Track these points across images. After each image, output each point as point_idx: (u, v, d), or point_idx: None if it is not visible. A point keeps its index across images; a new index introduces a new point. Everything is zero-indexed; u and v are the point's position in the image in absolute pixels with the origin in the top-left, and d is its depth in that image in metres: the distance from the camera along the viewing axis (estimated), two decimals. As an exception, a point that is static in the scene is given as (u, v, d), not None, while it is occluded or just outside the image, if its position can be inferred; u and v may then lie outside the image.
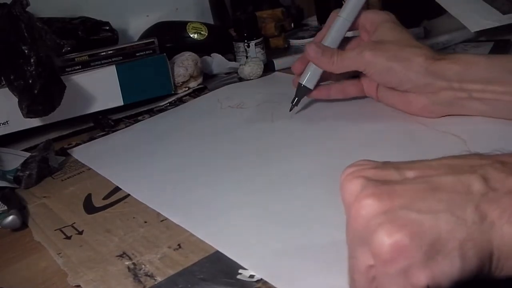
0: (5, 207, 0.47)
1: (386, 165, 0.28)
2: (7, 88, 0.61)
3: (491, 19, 0.70)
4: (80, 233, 0.43)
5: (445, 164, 0.27)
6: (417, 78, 0.47)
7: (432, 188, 0.25)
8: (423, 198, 0.25)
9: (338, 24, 0.54)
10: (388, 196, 0.25)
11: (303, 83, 0.55)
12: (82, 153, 0.62)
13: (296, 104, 0.56)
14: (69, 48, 0.67)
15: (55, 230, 0.44)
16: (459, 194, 0.25)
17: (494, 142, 0.43)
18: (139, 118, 0.71)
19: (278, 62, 0.80)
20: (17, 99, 0.60)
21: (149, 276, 0.35)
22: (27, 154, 0.58)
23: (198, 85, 0.78)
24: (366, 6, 0.94)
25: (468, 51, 0.69)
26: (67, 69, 0.67)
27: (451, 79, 0.46)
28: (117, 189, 0.50)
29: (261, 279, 0.32)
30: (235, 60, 0.83)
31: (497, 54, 0.47)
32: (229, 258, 0.35)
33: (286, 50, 0.89)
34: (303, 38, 0.91)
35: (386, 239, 0.24)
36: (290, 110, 0.57)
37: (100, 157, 0.59)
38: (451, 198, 0.25)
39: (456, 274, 0.24)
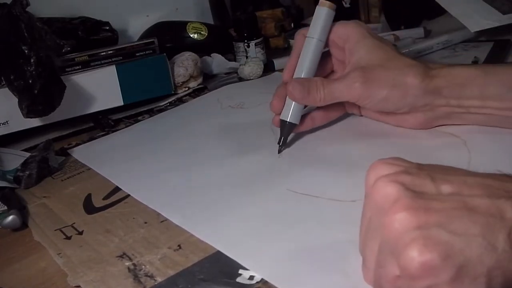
0: (5, 207, 0.47)
1: (421, 171, 0.28)
2: (7, 88, 0.60)
3: (491, 19, 0.70)
4: (80, 233, 0.43)
5: (481, 183, 0.27)
6: (415, 101, 0.45)
7: (467, 209, 0.25)
8: (458, 218, 0.25)
9: (312, 47, 0.48)
10: (424, 212, 0.25)
11: (288, 120, 0.49)
12: (82, 153, 0.62)
13: (284, 144, 0.49)
14: (69, 48, 0.67)
15: (55, 230, 0.44)
16: (493, 219, 0.25)
17: (494, 142, 0.44)
18: (139, 118, 0.71)
19: (278, 62, 0.80)
20: (17, 99, 0.60)
21: (149, 276, 0.35)
22: (27, 154, 0.58)
23: (198, 85, 0.78)
24: (367, 6, 0.95)
25: (468, 51, 0.70)
26: (67, 69, 0.67)
27: (448, 97, 0.44)
28: (117, 189, 0.50)
29: (261, 279, 0.32)
30: (235, 60, 0.83)
31: (492, 65, 0.44)
32: (229, 259, 0.35)
33: (286, 50, 0.89)
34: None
35: (417, 256, 0.24)
36: (279, 153, 0.49)
37: (100, 157, 0.59)
38: (485, 222, 0.25)
39: None
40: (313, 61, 0.48)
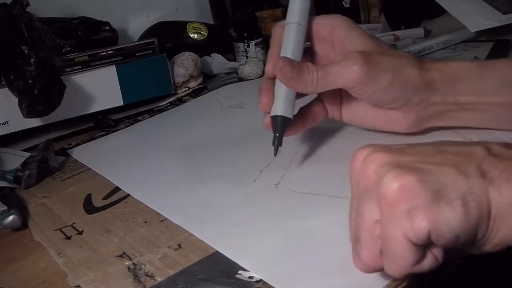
0: (5, 207, 0.47)
1: (397, 145, 0.30)
2: (7, 88, 0.61)
3: (491, 19, 0.70)
4: (80, 233, 0.43)
5: (452, 142, 0.30)
6: (413, 94, 0.41)
7: (439, 151, 0.28)
8: (431, 156, 0.27)
9: (293, 32, 0.43)
10: (397, 153, 0.28)
11: (281, 114, 0.43)
12: (82, 153, 0.62)
13: (280, 143, 0.43)
14: (69, 48, 0.67)
15: (55, 230, 0.44)
16: (463, 157, 0.27)
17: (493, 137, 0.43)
18: (139, 118, 0.71)
19: (278, 62, 0.80)
20: (17, 99, 0.60)
21: (149, 276, 0.35)
22: (27, 154, 0.58)
23: (198, 85, 0.78)
24: (367, 6, 0.95)
25: (468, 51, 0.69)
26: (67, 69, 0.67)
27: (445, 92, 0.42)
28: (117, 189, 0.50)
29: (261, 279, 0.32)
30: (235, 60, 0.83)
31: (488, 60, 0.43)
32: (229, 258, 0.35)
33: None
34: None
35: (393, 182, 0.26)
36: (275, 155, 0.44)
37: (100, 157, 0.59)
38: (457, 158, 0.27)
39: (457, 223, 0.25)
40: (297, 45, 0.43)
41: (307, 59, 0.45)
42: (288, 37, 0.44)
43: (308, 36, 0.45)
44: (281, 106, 0.43)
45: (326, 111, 0.47)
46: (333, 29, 0.44)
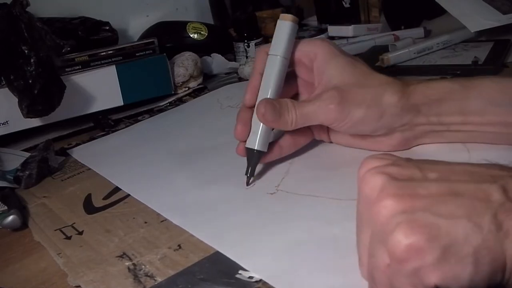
0: (5, 207, 0.47)
1: (409, 163, 0.28)
2: (7, 88, 0.61)
3: (491, 19, 0.70)
4: (80, 233, 0.43)
5: (467, 170, 0.27)
6: (393, 121, 0.41)
7: (453, 193, 0.26)
8: (443, 202, 0.25)
9: (276, 66, 0.43)
10: (409, 197, 0.26)
11: (257, 149, 0.44)
12: (82, 153, 0.62)
13: (252, 174, 0.45)
14: (69, 48, 0.67)
15: (55, 230, 0.44)
16: (479, 202, 0.25)
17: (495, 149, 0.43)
18: (139, 118, 0.71)
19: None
20: (17, 99, 0.60)
21: (149, 276, 0.35)
22: (27, 154, 0.58)
23: (198, 85, 0.78)
24: (367, 6, 0.95)
25: (468, 51, 0.69)
26: (67, 69, 0.68)
27: (428, 114, 0.41)
28: (117, 189, 0.50)
29: (261, 279, 0.32)
30: (235, 60, 0.83)
31: (469, 78, 0.42)
32: (229, 258, 0.35)
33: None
34: (303, 38, 0.91)
35: (402, 239, 0.24)
36: (248, 185, 0.44)
37: (100, 157, 0.59)
38: (471, 204, 0.25)
39: (467, 279, 0.24)
40: (278, 81, 0.44)
41: (290, 82, 0.47)
42: (271, 71, 0.44)
43: (291, 61, 0.45)
44: (258, 140, 0.44)
45: (311, 135, 0.48)
46: (314, 57, 0.44)
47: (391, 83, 0.42)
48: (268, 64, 0.44)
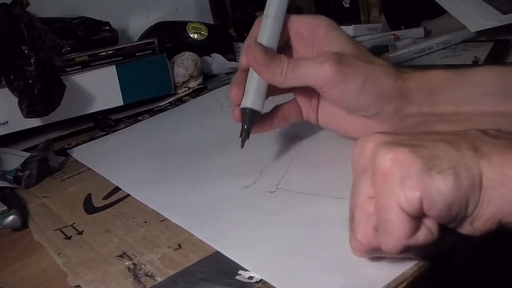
0: (5, 207, 0.47)
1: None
2: (7, 88, 0.61)
3: (491, 19, 0.70)
4: (80, 233, 0.43)
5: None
6: (387, 103, 0.40)
7: (436, 133, 0.30)
8: (427, 134, 0.29)
9: (268, 25, 0.43)
10: (395, 134, 0.29)
11: (249, 107, 0.43)
12: (82, 153, 0.62)
13: (247, 136, 0.44)
14: (69, 48, 0.67)
15: (55, 230, 0.44)
16: (458, 135, 0.29)
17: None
18: (139, 118, 0.71)
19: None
20: (17, 99, 0.60)
21: (149, 276, 0.35)
22: (27, 154, 0.58)
23: (198, 85, 0.78)
24: (367, 6, 0.95)
25: (468, 51, 0.70)
26: (67, 69, 0.67)
27: (421, 103, 0.40)
28: (117, 189, 0.50)
29: (261, 279, 0.32)
30: (235, 60, 0.83)
31: (466, 68, 0.41)
32: (229, 258, 0.35)
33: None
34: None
35: (387, 153, 0.27)
36: (242, 147, 0.44)
37: (100, 157, 0.59)
38: (451, 136, 0.28)
39: (449, 192, 0.26)
40: (271, 36, 0.43)
41: (287, 56, 0.45)
42: (263, 29, 0.43)
43: (290, 34, 0.44)
44: (251, 98, 0.43)
45: (301, 113, 0.47)
46: (314, 28, 0.43)
47: (387, 65, 0.41)
48: (262, 26, 0.44)
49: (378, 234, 0.28)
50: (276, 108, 0.46)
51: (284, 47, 0.45)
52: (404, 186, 0.26)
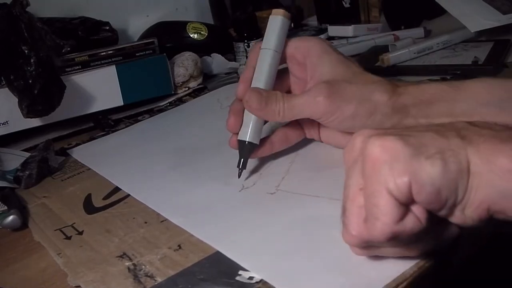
0: (5, 207, 0.47)
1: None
2: (7, 88, 0.61)
3: (491, 19, 0.70)
4: (80, 233, 0.43)
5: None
6: (383, 120, 0.40)
7: (424, 126, 0.31)
8: (415, 128, 0.30)
9: (268, 58, 0.44)
10: (383, 130, 0.30)
11: (249, 140, 0.44)
12: (82, 153, 0.62)
13: (244, 167, 0.45)
14: (69, 48, 0.67)
15: (55, 230, 0.44)
16: (445, 126, 0.30)
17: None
18: (139, 118, 0.71)
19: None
20: (17, 99, 0.60)
21: (149, 276, 0.35)
22: (27, 154, 0.58)
23: (198, 85, 0.78)
24: (367, 6, 0.95)
25: (468, 51, 0.70)
26: (67, 69, 0.67)
27: (417, 116, 0.40)
28: (117, 189, 0.50)
29: (261, 280, 0.32)
30: (235, 60, 0.83)
31: (460, 80, 0.41)
32: (229, 258, 0.35)
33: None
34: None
35: (377, 141, 0.28)
36: (239, 177, 0.45)
37: (100, 157, 0.59)
38: (438, 127, 0.29)
39: (437, 176, 0.26)
40: (270, 72, 0.44)
41: (283, 79, 0.47)
42: (262, 63, 0.44)
43: (284, 58, 0.46)
44: (249, 132, 0.44)
45: (302, 133, 0.49)
46: (307, 53, 0.44)
47: (381, 82, 0.42)
48: (260, 57, 0.45)
49: (367, 217, 0.28)
50: (277, 131, 0.47)
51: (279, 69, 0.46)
52: (393, 171, 0.27)
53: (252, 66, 0.45)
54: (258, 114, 0.44)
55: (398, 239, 0.28)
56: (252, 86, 0.44)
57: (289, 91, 0.48)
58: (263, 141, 0.46)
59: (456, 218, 0.28)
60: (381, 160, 0.27)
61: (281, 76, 0.46)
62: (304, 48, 0.44)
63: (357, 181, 0.29)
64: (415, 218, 0.28)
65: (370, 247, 0.30)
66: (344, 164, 0.32)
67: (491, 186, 0.27)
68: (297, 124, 0.47)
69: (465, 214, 0.28)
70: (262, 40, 0.45)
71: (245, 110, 0.45)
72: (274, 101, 0.42)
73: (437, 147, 0.27)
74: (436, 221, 0.29)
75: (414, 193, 0.27)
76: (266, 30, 0.45)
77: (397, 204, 0.27)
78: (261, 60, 0.44)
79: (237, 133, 0.45)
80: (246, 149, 0.45)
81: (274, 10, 0.46)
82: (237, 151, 0.45)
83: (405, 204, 0.27)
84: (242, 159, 0.45)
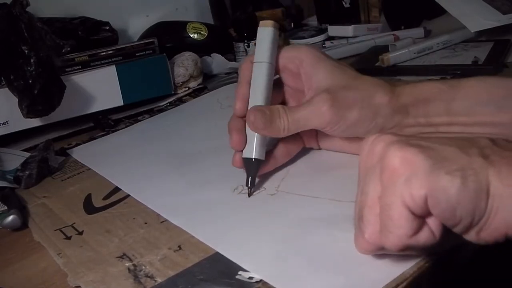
0: (5, 207, 0.47)
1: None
2: (7, 88, 0.61)
3: (491, 19, 0.70)
4: (80, 233, 0.43)
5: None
6: (385, 122, 0.41)
7: (446, 138, 0.29)
8: (437, 139, 0.29)
9: (264, 72, 0.43)
10: (405, 136, 0.29)
11: (255, 157, 0.43)
12: (82, 153, 0.62)
13: (253, 184, 0.43)
14: (69, 48, 0.67)
15: (55, 230, 0.44)
16: (468, 141, 0.28)
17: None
18: (139, 118, 0.71)
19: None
20: (17, 99, 0.60)
21: (149, 277, 0.35)
22: (27, 154, 0.58)
23: (198, 85, 0.78)
24: (367, 6, 0.95)
25: (468, 51, 0.70)
26: (67, 69, 0.68)
27: (417, 115, 0.41)
28: (117, 189, 0.50)
29: (261, 280, 0.32)
30: (235, 60, 0.83)
31: (458, 79, 0.41)
32: (229, 259, 0.35)
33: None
34: (303, 38, 0.92)
35: (397, 152, 0.27)
36: (250, 196, 0.43)
37: (100, 157, 0.59)
38: (461, 142, 0.28)
39: (454, 192, 0.26)
40: (267, 87, 0.43)
41: (277, 90, 0.46)
42: (258, 78, 0.43)
43: (277, 69, 0.45)
44: (255, 149, 0.43)
45: (301, 143, 0.48)
46: (300, 63, 0.44)
47: (380, 84, 0.41)
48: (254, 72, 0.44)
49: (381, 228, 0.28)
50: (278, 146, 0.46)
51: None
52: (410, 184, 0.26)
53: (246, 81, 0.44)
54: (263, 133, 0.43)
55: (410, 250, 0.28)
56: (251, 103, 0.43)
57: (283, 102, 0.47)
58: (266, 156, 0.45)
59: (470, 237, 0.27)
60: (400, 172, 0.27)
61: (274, 87, 0.45)
62: (297, 58, 0.44)
63: (375, 189, 0.29)
64: (430, 232, 0.27)
65: (378, 250, 0.30)
66: (359, 166, 0.31)
67: (511, 212, 0.26)
68: (297, 135, 0.46)
69: (480, 236, 0.27)
70: (252, 53, 0.45)
71: (247, 128, 0.43)
72: (278, 118, 0.41)
73: (459, 164, 0.26)
74: (447, 229, 0.28)
75: (430, 206, 0.26)
76: (257, 43, 0.45)
77: (412, 217, 0.27)
78: (256, 74, 0.43)
79: (240, 151, 0.44)
80: (253, 167, 0.43)
81: (262, 22, 0.45)
82: (234, 164, 0.45)
83: (420, 217, 0.27)
84: (250, 177, 0.43)
